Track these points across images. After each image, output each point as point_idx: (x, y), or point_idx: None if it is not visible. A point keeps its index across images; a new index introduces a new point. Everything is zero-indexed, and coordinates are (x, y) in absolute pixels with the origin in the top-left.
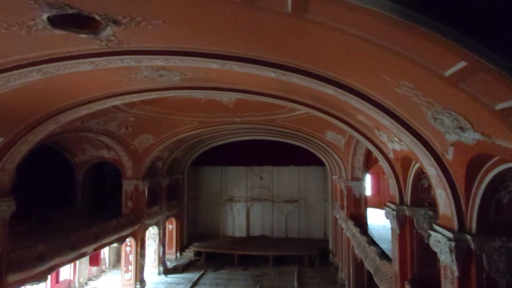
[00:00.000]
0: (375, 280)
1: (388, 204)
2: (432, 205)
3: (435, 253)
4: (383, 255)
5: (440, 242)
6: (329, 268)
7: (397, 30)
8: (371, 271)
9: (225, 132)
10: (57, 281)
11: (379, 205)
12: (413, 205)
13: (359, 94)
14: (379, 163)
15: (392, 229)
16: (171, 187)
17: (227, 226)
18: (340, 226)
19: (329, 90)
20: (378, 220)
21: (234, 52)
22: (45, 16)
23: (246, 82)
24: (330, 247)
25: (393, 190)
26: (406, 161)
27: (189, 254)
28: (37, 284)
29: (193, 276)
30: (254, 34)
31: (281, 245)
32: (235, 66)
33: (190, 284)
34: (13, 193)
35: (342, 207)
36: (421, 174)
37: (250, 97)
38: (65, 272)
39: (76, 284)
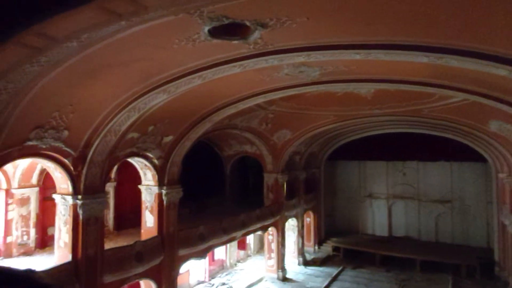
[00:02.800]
0: None
1: None
2: None
3: None
4: None
5: None
6: (495, 283)
7: None
8: None
9: (363, 126)
10: (213, 259)
11: None
12: None
13: None
14: None
15: None
16: (308, 181)
17: (366, 223)
18: (510, 234)
19: (502, 70)
20: None
21: (380, 39)
22: (206, 29)
23: (390, 71)
24: (496, 258)
25: None
26: None
27: (326, 248)
28: (199, 260)
29: (331, 270)
30: (405, 15)
31: (430, 250)
32: (380, 55)
33: (329, 279)
34: (180, 181)
35: None
36: None
37: (395, 87)
38: (219, 252)
39: (228, 264)
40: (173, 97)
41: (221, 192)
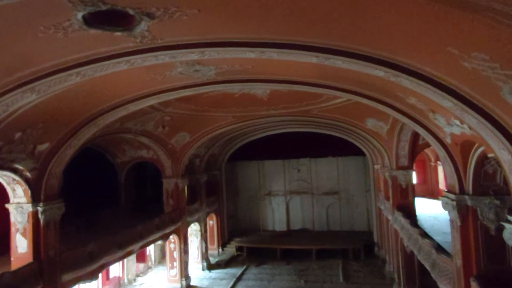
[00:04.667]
0: (433, 275)
1: (446, 193)
2: (499, 193)
3: (505, 247)
4: (439, 248)
5: None
6: (375, 261)
7: None
8: (427, 265)
9: (260, 126)
10: (107, 278)
11: (426, 195)
12: (476, 194)
13: (415, 74)
14: (425, 150)
15: (451, 220)
16: (209, 183)
17: (267, 220)
18: (385, 217)
19: (379, 72)
20: (427, 210)
21: (273, 38)
22: (79, 15)
23: (283, 71)
24: (375, 239)
25: (451, 179)
26: (467, 146)
27: (230, 249)
28: (90, 282)
29: (236, 271)
30: (297, 14)
31: (323, 239)
32: (273, 54)
33: (234, 279)
34: (62, 195)
35: (387, 198)
36: (484, 160)
37: (287, 87)
38: (114, 269)
39: (125, 280)
40: (45, 97)
41: (115, 203)
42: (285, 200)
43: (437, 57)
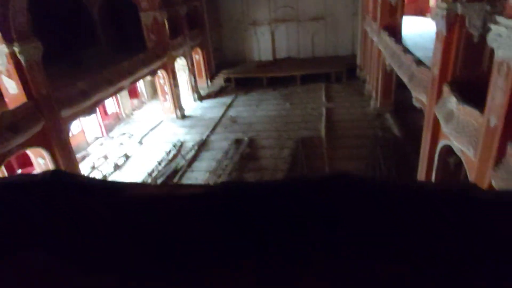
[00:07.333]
0: (409, 86)
1: (439, 4)
2: None
3: (481, 55)
4: (419, 62)
5: (501, 36)
6: (356, 82)
7: None
8: (404, 78)
9: None
10: (105, 113)
11: (416, 13)
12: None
13: None
14: None
15: (437, 32)
16: (190, 16)
17: (253, 51)
18: (370, 39)
19: None
20: (413, 29)
21: None
22: None
23: None
24: (358, 62)
25: None
26: None
27: (219, 81)
28: (89, 116)
29: (226, 100)
30: None
31: (308, 65)
32: None
33: (225, 107)
34: (36, 36)
35: (374, 19)
36: None
37: None
38: (111, 106)
39: (123, 115)
40: None
41: (95, 43)
42: (270, 29)
43: None
